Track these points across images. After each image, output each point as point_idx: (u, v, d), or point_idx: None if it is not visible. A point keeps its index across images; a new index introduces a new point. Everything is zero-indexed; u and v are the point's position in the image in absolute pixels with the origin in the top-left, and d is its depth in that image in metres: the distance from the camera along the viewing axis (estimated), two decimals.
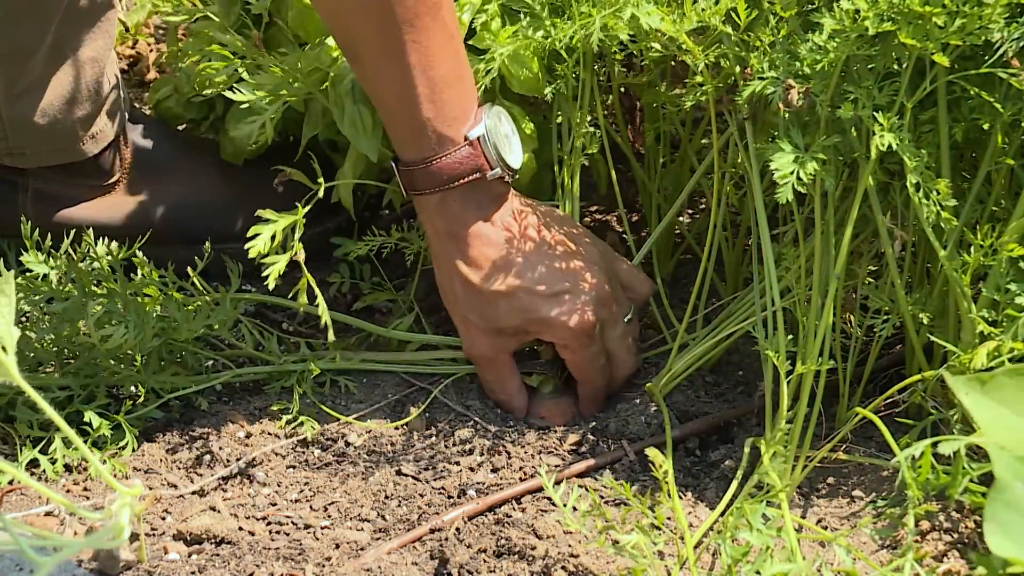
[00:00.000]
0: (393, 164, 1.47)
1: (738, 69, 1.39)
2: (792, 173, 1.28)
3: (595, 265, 1.51)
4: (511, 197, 1.50)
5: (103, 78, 1.69)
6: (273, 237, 1.47)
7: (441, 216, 1.46)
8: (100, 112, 1.70)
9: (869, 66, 1.30)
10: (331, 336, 1.51)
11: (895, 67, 1.30)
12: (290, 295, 1.48)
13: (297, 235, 1.46)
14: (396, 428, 1.56)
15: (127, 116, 1.77)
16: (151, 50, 2.25)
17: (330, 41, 1.57)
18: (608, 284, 1.51)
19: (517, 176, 1.49)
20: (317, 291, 1.47)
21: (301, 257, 1.45)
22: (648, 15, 1.40)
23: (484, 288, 1.47)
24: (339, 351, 1.62)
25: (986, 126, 1.32)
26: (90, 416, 1.46)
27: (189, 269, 1.55)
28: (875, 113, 1.28)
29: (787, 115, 1.32)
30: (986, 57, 1.28)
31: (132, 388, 1.53)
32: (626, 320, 1.55)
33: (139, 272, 1.54)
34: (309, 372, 1.56)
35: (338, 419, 1.55)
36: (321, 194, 1.49)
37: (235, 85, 1.57)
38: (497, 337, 1.51)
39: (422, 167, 1.44)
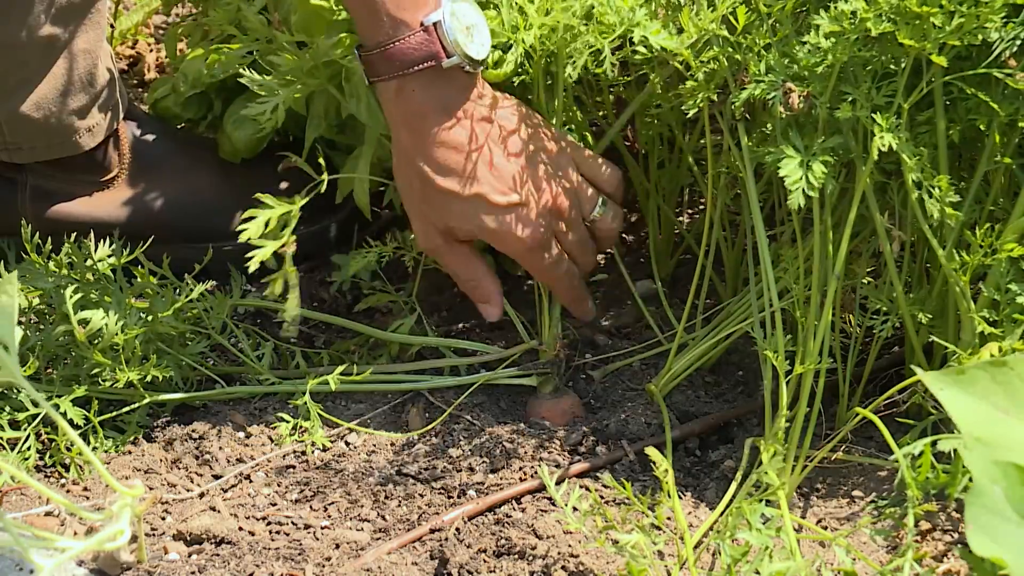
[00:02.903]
0: (356, 52, 1.46)
1: (731, 73, 1.39)
2: (801, 178, 1.28)
3: (558, 171, 1.50)
4: (479, 91, 1.47)
5: (96, 70, 1.69)
6: (267, 225, 1.47)
7: (400, 106, 1.45)
8: (95, 104, 1.70)
9: (867, 67, 1.30)
10: (293, 331, 1.51)
11: (892, 68, 1.30)
12: (265, 292, 1.45)
13: (291, 226, 1.46)
14: (396, 428, 1.56)
15: (125, 113, 1.77)
16: (151, 50, 2.25)
17: (344, 35, 1.57)
18: (567, 192, 1.51)
19: (484, 68, 1.47)
20: (293, 282, 1.45)
21: (290, 249, 1.44)
22: (655, 33, 1.40)
23: (441, 187, 1.47)
24: (337, 362, 1.62)
25: (983, 126, 1.32)
26: (91, 417, 1.46)
27: (187, 276, 1.55)
28: (873, 114, 1.28)
29: (784, 118, 1.32)
30: (982, 57, 1.28)
31: (130, 388, 1.53)
32: (595, 213, 1.55)
33: (138, 273, 1.54)
34: (302, 393, 1.55)
35: (338, 421, 1.55)
36: (323, 190, 1.48)
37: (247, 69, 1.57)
38: (450, 232, 1.52)
39: (377, 52, 1.42)
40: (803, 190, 1.27)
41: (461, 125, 1.46)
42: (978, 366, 1.01)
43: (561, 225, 1.52)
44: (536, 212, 1.49)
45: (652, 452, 1.23)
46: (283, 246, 1.44)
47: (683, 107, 1.43)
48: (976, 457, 0.95)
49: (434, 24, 1.41)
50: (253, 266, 1.37)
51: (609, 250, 1.81)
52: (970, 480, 1.17)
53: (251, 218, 1.38)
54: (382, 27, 1.42)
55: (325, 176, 1.48)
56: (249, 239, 1.37)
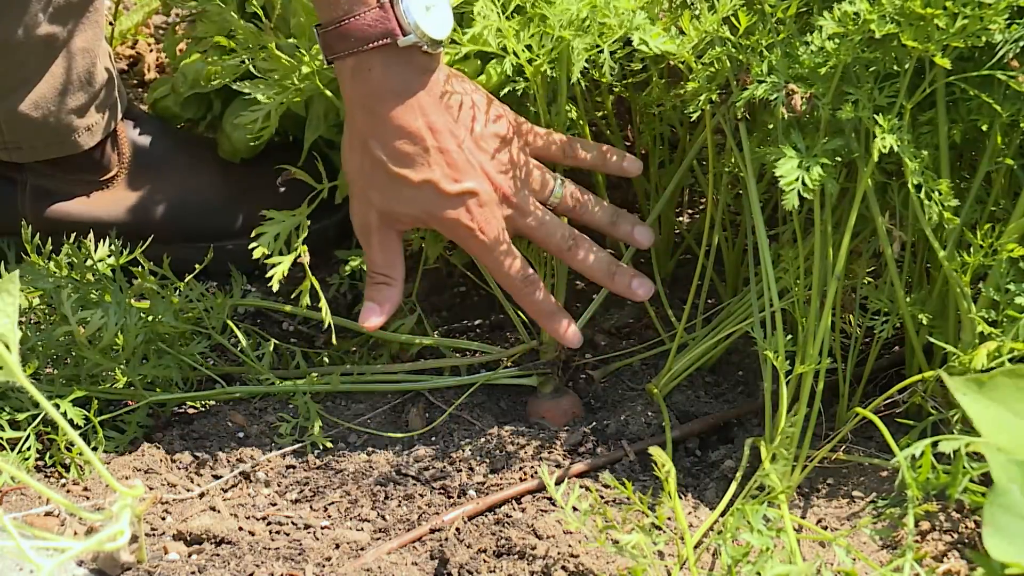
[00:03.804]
0: (315, 30, 1.44)
1: (732, 73, 1.39)
2: (797, 179, 1.28)
3: (513, 157, 1.48)
4: (438, 74, 1.44)
5: (95, 69, 1.69)
6: (277, 237, 1.48)
7: (356, 86, 1.43)
8: (93, 103, 1.70)
9: (869, 68, 1.30)
10: (333, 339, 1.50)
11: (894, 68, 1.30)
12: (292, 295, 1.47)
13: (302, 236, 1.46)
14: (396, 428, 1.56)
15: (124, 112, 1.77)
16: (151, 50, 2.25)
17: None
18: (519, 180, 1.48)
19: (443, 50, 1.44)
20: (321, 294, 1.46)
21: (306, 259, 1.45)
22: (655, 37, 1.40)
23: (392, 171, 1.44)
24: (337, 362, 1.62)
25: (984, 127, 1.32)
26: (91, 417, 1.46)
27: (188, 276, 1.55)
28: (875, 115, 1.28)
29: (787, 118, 1.32)
30: (984, 58, 1.28)
31: (130, 388, 1.53)
32: (554, 197, 1.52)
33: (138, 273, 1.54)
34: (302, 393, 1.55)
35: (338, 421, 1.55)
36: (325, 194, 1.49)
37: (240, 78, 1.57)
38: (391, 216, 1.48)
39: (333, 28, 1.40)
40: (798, 191, 1.27)
41: (417, 109, 1.43)
42: (1002, 372, 1.02)
43: (513, 213, 1.48)
44: (488, 204, 1.46)
45: (655, 451, 1.23)
46: (299, 257, 1.45)
47: (686, 110, 1.42)
48: (998, 457, 0.95)
49: (391, 1, 1.39)
50: (275, 286, 1.39)
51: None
52: (970, 480, 1.17)
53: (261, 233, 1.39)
54: (339, 3, 1.39)
55: (325, 184, 1.49)
56: (262, 254, 1.38)
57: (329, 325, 1.48)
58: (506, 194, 1.47)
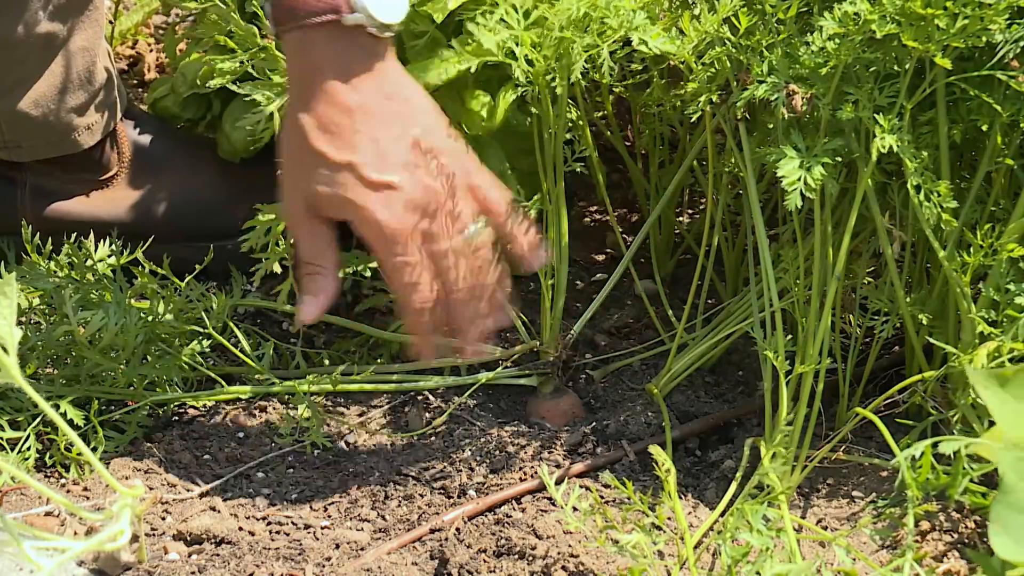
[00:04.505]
0: (266, 5, 1.39)
1: (732, 73, 1.39)
2: (799, 179, 1.27)
3: (446, 174, 1.39)
4: (387, 65, 1.38)
5: (95, 67, 1.69)
6: (268, 231, 1.47)
7: (298, 60, 1.37)
8: (93, 102, 1.70)
9: (870, 68, 1.30)
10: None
11: (895, 69, 1.30)
12: (276, 296, 1.46)
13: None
14: (396, 428, 1.56)
15: (124, 112, 1.77)
16: (151, 50, 2.25)
17: None
18: (448, 196, 1.38)
19: (389, 33, 1.37)
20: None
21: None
22: (655, 37, 1.39)
23: (314, 148, 1.35)
24: (337, 362, 1.61)
25: (985, 127, 1.32)
26: (91, 418, 1.46)
27: (188, 276, 1.55)
28: (875, 115, 1.28)
29: (787, 119, 1.32)
30: (984, 58, 1.28)
31: (130, 388, 1.53)
32: (470, 231, 1.40)
33: (138, 273, 1.54)
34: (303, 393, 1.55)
35: (338, 421, 1.55)
36: None
37: (240, 79, 1.57)
38: (313, 201, 1.38)
39: (281, 1, 1.35)
40: (801, 191, 1.27)
41: (356, 89, 1.35)
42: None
43: (428, 228, 1.37)
44: (407, 201, 1.35)
45: (656, 451, 1.23)
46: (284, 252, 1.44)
47: (686, 111, 1.42)
48: (1007, 455, 0.95)
49: None
50: (256, 281, 1.35)
51: (609, 250, 1.81)
52: (970, 481, 1.17)
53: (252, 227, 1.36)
54: None
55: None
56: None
57: (329, 325, 1.47)
58: (430, 208, 1.37)
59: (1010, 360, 1.29)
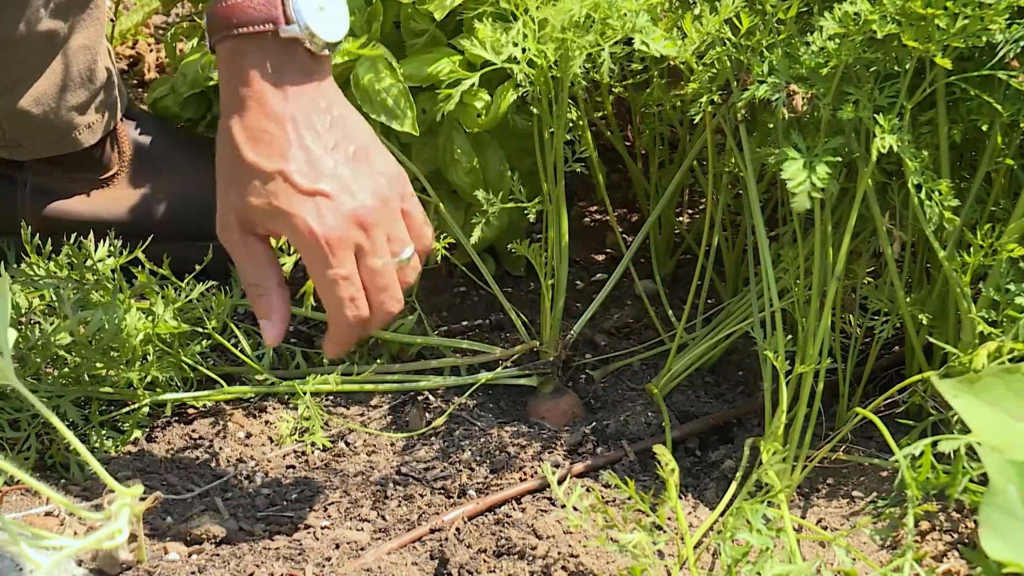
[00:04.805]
0: (205, 14, 1.36)
1: (733, 73, 1.39)
2: (805, 180, 1.27)
3: (381, 193, 1.34)
4: (324, 84, 1.34)
5: (96, 66, 1.69)
6: None
7: (230, 70, 1.33)
8: (94, 101, 1.70)
9: (870, 68, 1.30)
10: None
11: (895, 69, 1.30)
12: (294, 296, 1.46)
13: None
14: (396, 428, 1.56)
15: (125, 111, 1.77)
16: (151, 50, 2.25)
17: (346, 44, 1.56)
18: (382, 216, 1.34)
19: (328, 52, 1.34)
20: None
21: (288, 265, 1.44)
22: (657, 40, 1.39)
23: (245, 160, 1.31)
24: (337, 362, 1.61)
25: (985, 127, 1.32)
26: (92, 417, 1.46)
27: (188, 276, 1.55)
28: (876, 115, 1.28)
29: (787, 119, 1.32)
30: (984, 58, 1.28)
31: (130, 388, 1.53)
32: (402, 256, 1.37)
33: (138, 273, 1.54)
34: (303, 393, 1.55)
35: (338, 421, 1.55)
36: None
37: None
38: (247, 217, 1.33)
39: (219, 7, 1.32)
40: (808, 192, 1.27)
41: (289, 100, 1.32)
42: (992, 373, 1.01)
43: (363, 243, 1.32)
44: (342, 212, 1.31)
45: (659, 450, 1.23)
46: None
47: (687, 112, 1.42)
48: (992, 458, 0.95)
49: None
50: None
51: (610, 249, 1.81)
52: (970, 480, 1.17)
53: None
54: None
55: None
56: None
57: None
58: (365, 221, 1.32)
59: (1010, 360, 1.28)
